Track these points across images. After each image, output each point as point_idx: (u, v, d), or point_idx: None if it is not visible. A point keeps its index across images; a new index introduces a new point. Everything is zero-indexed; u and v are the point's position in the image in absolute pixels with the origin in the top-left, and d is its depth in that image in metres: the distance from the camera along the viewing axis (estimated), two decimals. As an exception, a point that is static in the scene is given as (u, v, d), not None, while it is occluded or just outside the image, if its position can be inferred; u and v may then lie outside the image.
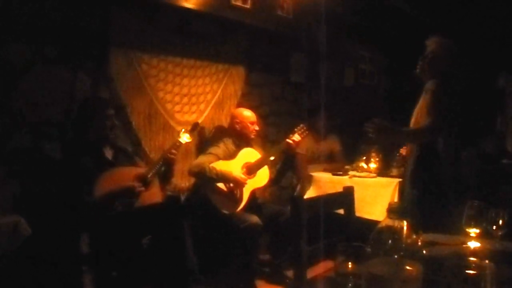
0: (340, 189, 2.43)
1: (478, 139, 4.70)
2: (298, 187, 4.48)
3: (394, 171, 4.15)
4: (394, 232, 1.12)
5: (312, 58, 4.90)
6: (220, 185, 3.54)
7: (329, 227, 2.21)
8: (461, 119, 2.96)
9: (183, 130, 3.36)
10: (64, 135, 3.14)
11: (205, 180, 3.54)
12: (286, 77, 4.91)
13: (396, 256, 1.10)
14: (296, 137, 3.68)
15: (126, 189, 2.88)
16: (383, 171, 4.23)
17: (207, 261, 3.21)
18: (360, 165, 4.29)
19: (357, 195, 2.39)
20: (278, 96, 4.86)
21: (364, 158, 4.32)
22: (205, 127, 4.10)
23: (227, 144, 3.71)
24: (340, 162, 4.63)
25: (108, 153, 3.03)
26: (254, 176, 3.66)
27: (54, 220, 2.79)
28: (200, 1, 3.71)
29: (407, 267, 1.08)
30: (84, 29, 3.25)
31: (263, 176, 3.72)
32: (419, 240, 1.13)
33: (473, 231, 1.79)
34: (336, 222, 2.21)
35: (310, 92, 5.07)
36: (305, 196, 3.98)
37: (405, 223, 1.13)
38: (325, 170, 4.44)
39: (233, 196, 3.56)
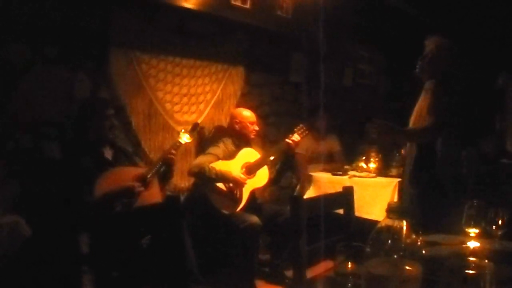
0: (339, 189, 2.43)
1: (478, 139, 4.70)
2: (298, 187, 4.49)
3: (394, 171, 4.16)
4: (393, 232, 1.12)
5: (312, 58, 4.90)
6: (220, 185, 3.54)
7: (328, 227, 2.22)
8: (461, 119, 2.97)
9: (183, 130, 3.36)
10: (64, 135, 3.14)
11: (204, 180, 3.54)
12: (285, 77, 4.91)
13: (395, 256, 1.10)
14: (296, 137, 3.68)
15: (126, 189, 2.87)
16: (382, 171, 4.24)
17: (206, 261, 3.21)
18: (360, 165, 4.29)
19: (356, 195, 2.40)
20: (278, 96, 4.86)
21: (364, 158, 4.33)
22: (205, 127, 4.10)
23: (227, 144, 3.71)
24: (339, 162, 4.63)
25: (108, 153, 3.03)
26: (254, 176, 3.66)
27: (54, 220, 2.79)
28: (200, 1, 3.71)
29: (407, 267, 1.08)
30: (84, 29, 3.25)
31: (262, 176, 3.72)
32: (418, 240, 1.13)
33: (473, 231, 1.79)
34: (335, 222, 2.21)
35: (310, 92, 5.07)
36: (305, 196, 3.98)
37: (404, 223, 1.12)
38: (324, 170, 4.45)
39: (232, 196, 3.56)
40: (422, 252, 1.13)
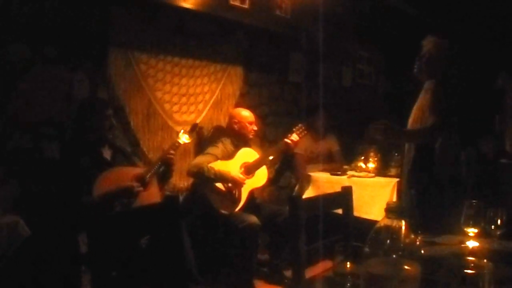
0: (338, 189, 2.43)
1: (477, 139, 4.70)
2: (297, 187, 4.48)
3: (393, 171, 4.16)
4: (392, 232, 1.12)
5: (311, 58, 4.90)
6: (219, 185, 3.54)
7: (327, 227, 2.22)
8: (461, 119, 2.97)
9: (182, 130, 3.35)
10: (63, 135, 3.14)
11: (203, 180, 3.54)
12: (284, 77, 4.90)
13: (394, 256, 1.10)
14: (295, 137, 3.69)
15: (125, 189, 2.87)
16: (381, 171, 4.24)
17: (205, 261, 3.21)
18: (359, 165, 4.29)
19: (355, 195, 2.40)
20: (277, 96, 4.86)
21: (363, 158, 4.33)
22: (204, 127, 4.10)
23: (226, 144, 3.71)
24: (338, 162, 4.63)
25: (107, 153, 3.02)
26: (253, 176, 3.66)
27: (53, 220, 2.79)
28: (199, 1, 3.71)
29: (406, 267, 1.08)
30: (84, 29, 3.25)
31: (261, 176, 3.72)
32: (417, 240, 1.13)
33: (472, 231, 1.80)
34: (334, 222, 2.22)
35: (309, 92, 5.07)
36: (304, 196, 3.98)
37: (403, 223, 1.13)
38: (323, 170, 4.45)
39: (231, 196, 3.56)
40: (421, 252, 1.14)
